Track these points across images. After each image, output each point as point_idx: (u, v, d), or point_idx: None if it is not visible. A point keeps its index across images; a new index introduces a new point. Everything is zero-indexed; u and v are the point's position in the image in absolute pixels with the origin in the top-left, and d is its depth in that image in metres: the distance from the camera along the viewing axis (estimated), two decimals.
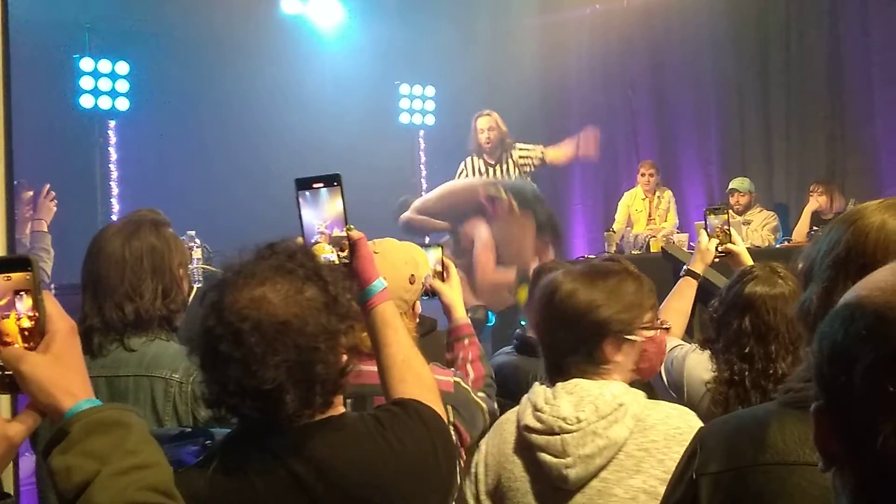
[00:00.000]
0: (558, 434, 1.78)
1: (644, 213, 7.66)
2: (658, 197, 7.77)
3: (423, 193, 8.82)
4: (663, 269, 5.55)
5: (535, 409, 1.84)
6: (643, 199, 7.71)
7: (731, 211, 7.22)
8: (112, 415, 1.12)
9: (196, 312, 1.42)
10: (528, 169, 6.75)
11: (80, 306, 2.24)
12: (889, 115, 7.32)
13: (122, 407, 1.18)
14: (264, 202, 7.05)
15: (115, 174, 6.86)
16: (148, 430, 1.17)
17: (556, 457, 1.77)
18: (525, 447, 1.86)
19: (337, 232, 1.64)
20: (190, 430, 1.49)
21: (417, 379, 1.59)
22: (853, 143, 7.68)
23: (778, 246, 6.84)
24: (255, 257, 1.41)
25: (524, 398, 1.93)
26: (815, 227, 6.77)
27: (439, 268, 2.45)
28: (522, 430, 1.85)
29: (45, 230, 4.72)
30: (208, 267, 4.23)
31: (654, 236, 7.04)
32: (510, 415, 1.99)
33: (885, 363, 0.73)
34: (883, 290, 0.77)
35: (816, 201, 7.08)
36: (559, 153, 6.93)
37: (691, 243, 6.83)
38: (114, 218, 6.71)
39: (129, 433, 1.11)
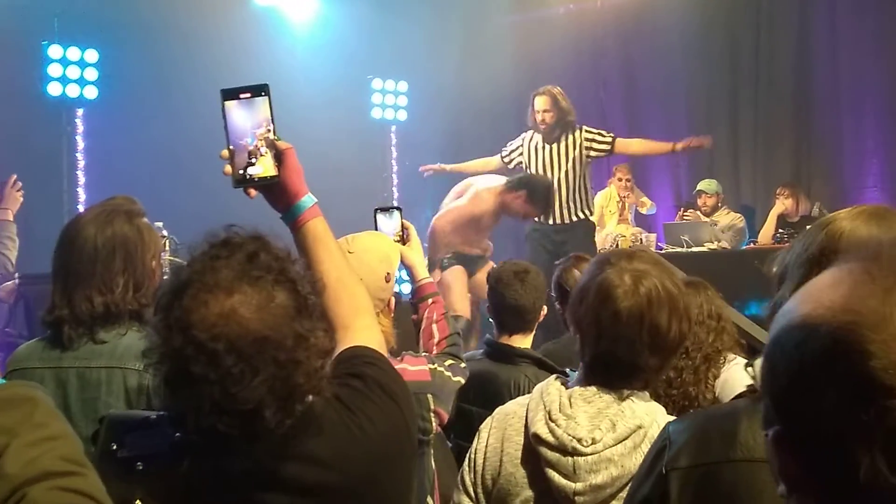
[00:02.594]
0: (571, 455, 1.68)
1: (616, 214, 7.73)
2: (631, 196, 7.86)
3: (394, 189, 8.84)
4: None
5: (549, 417, 1.73)
6: (618, 202, 7.77)
7: (698, 212, 7.33)
8: (18, 391, 1.13)
9: (154, 322, 1.29)
10: (591, 154, 6.17)
11: (50, 295, 2.21)
12: (854, 119, 7.44)
13: (26, 384, 1.19)
14: (233, 194, 6.97)
15: (82, 163, 6.77)
16: (53, 404, 1.15)
17: (566, 478, 1.68)
18: (532, 454, 1.76)
19: (269, 136, 1.56)
20: (154, 417, 1.44)
21: (352, 299, 1.54)
22: (819, 147, 7.79)
23: (744, 248, 6.93)
24: (210, 257, 1.29)
25: (536, 395, 1.82)
26: (780, 230, 6.86)
27: (400, 231, 2.46)
28: (532, 437, 1.75)
29: (11, 219, 4.66)
30: (176, 259, 4.20)
31: (623, 235, 7.10)
32: (516, 407, 1.88)
33: (855, 393, 0.71)
34: (831, 310, 0.75)
35: (783, 204, 7.17)
36: (630, 145, 6.49)
37: (659, 244, 6.91)
38: (80, 207, 6.62)
39: (37, 408, 1.11)
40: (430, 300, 2.43)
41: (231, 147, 1.57)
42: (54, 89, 6.52)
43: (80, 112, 6.81)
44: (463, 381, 2.31)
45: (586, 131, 6.15)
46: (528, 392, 2.80)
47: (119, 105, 6.75)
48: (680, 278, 1.88)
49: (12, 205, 4.65)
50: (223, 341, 1.22)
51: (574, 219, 6.16)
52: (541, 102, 6.08)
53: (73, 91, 6.59)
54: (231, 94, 1.57)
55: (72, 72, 6.58)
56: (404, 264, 2.42)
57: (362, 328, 1.53)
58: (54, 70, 6.51)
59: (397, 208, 2.50)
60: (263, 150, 1.56)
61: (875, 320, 0.72)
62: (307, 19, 8.19)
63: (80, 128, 6.80)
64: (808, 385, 0.75)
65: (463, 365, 2.37)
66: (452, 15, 8.34)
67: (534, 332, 3.18)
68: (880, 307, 0.73)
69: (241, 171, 1.55)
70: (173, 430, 1.38)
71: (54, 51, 6.49)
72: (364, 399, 1.42)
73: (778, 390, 0.78)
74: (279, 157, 1.56)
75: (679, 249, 6.64)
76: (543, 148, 6.14)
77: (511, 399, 2.81)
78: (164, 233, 4.07)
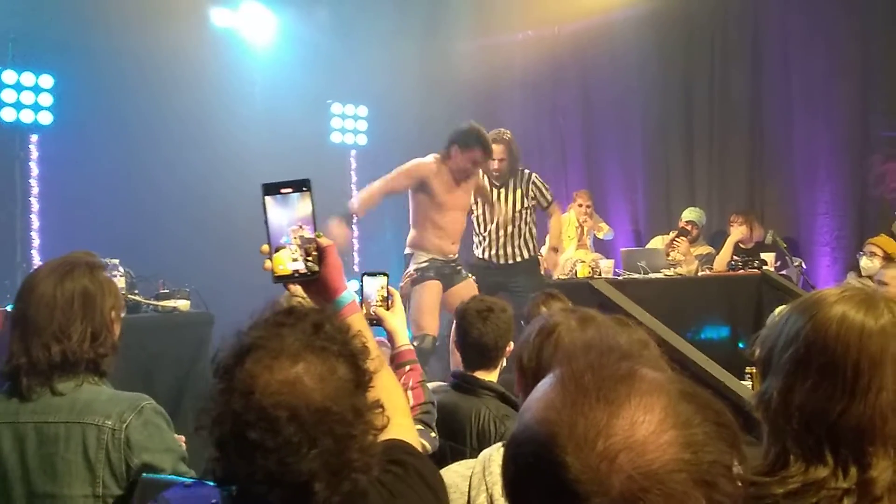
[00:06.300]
0: None
1: (574, 240, 7.78)
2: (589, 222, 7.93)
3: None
4: (590, 296, 5.67)
5: (491, 501, 1.72)
6: (577, 227, 7.84)
7: (686, 241, 7.37)
8: None
9: (211, 384, 1.27)
10: (534, 203, 6.14)
11: (8, 344, 2.20)
12: (806, 147, 7.60)
13: None
14: (189, 222, 6.94)
15: (35, 189, 6.65)
16: None
17: None
18: None
19: (307, 233, 1.55)
20: (189, 481, 1.41)
21: (388, 395, 1.51)
22: (772, 174, 7.95)
23: (700, 275, 7.02)
24: (274, 324, 1.30)
25: (479, 469, 1.82)
26: (735, 257, 6.97)
27: (384, 294, 2.47)
28: None
29: None
30: (134, 297, 4.12)
31: (582, 261, 7.15)
32: (458, 479, 1.83)
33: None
34: (534, 422, 0.83)
35: (739, 231, 7.29)
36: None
37: (617, 270, 6.97)
38: (34, 235, 6.53)
39: None
40: (407, 367, 2.46)
41: (270, 239, 1.56)
42: (8, 115, 6.41)
43: (34, 138, 6.69)
44: (431, 449, 2.32)
45: (535, 182, 6.13)
46: (489, 424, 2.84)
47: (74, 131, 6.63)
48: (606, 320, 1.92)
49: None
50: (285, 410, 1.21)
51: (518, 259, 6.16)
52: (496, 151, 5.80)
53: (27, 117, 6.48)
54: (272, 188, 1.57)
55: (26, 97, 6.47)
56: (385, 329, 2.46)
57: (400, 425, 1.53)
58: (8, 95, 6.40)
59: (384, 273, 2.50)
60: (303, 245, 1.56)
61: (567, 430, 0.79)
62: (266, 42, 8.14)
63: (35, 154, 6.68)
64: (521, 494, 0.84)
65: (433, 434, 2.40)
66: (412, 40, 8.37)
67: (499, 368, 3.21)
68: (569, 415, 0.80)
69: (281, 267, 1.55)
70: (209, 494, 1.38)
71: (8, 76, 6.38)
72: (405, 486, 1.43)
73: (507, 494, 0.87)
74: (320, 253, 1.56)
75: (636, 276, 6.72)
76: (491, 191, 6.08)
77: (473, 430, 2.84)
78: (121, 269, 4.01)
